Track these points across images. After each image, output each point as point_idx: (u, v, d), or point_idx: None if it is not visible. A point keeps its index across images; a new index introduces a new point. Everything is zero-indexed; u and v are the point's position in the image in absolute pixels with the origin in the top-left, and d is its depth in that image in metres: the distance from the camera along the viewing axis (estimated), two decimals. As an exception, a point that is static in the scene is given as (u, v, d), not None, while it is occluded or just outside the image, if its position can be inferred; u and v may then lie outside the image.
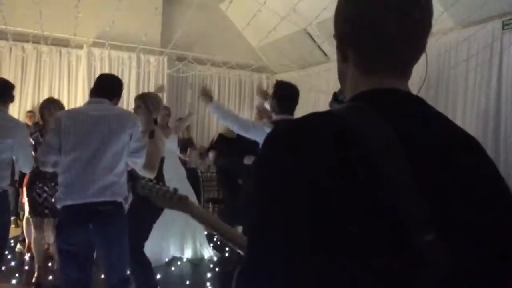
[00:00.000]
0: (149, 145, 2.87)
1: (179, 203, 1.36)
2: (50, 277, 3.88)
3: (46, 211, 3.74)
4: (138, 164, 2.72)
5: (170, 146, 4.33)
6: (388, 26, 0.73)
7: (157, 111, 3.25)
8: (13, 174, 3.91)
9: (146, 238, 3.20)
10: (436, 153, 0.69)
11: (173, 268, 4.45)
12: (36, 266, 3.80)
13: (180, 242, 4.76)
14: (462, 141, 0.75)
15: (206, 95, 3.25)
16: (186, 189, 4.72)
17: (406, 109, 0.73)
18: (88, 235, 2.47)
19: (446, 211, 0.65)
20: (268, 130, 3.01)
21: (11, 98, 3.16)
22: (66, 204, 2.43)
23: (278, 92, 2.99)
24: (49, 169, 2.61)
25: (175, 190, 1.38)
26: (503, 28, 4.38)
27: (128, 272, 2.78)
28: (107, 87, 2.71)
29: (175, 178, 4.00)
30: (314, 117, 0.74)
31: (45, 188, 3.74)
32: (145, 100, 3.19)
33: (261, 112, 4.80)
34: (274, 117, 3.04)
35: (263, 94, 3.64)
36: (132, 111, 3.27)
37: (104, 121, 2.51)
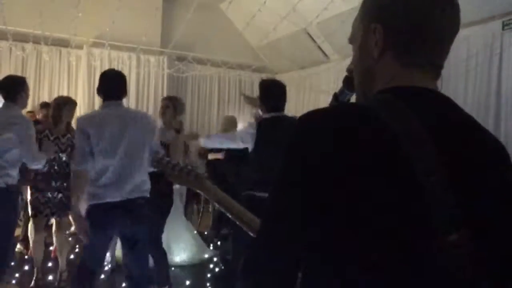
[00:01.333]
0: (174, 140, 3.47)
1: (195, 180, 1.33)
2: (50, 277, 3.88)
3: (48, 210, 3.71)
4: None
5: None
6: (443, 15, 0.74)
7: (182, 112, 3.86)
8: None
9: (163, 231, 3.57)
10: (468, 154, 0.70)
11: (172, 269, 4.45)
12: (35, 268, 3.79)
13: (180, 244, 4.76)
14: (492, 148, 0.76)
15: (193, 136, 4.07)
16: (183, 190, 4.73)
17: (440, 110, 0.74)
18: (121, 230, 2.72)
19: (474, 212, 0.66)
20: (251, 130, 3.04)
21: (21, 94, 3.13)
22: (104, 201, 2.60)
23: (262, 93, 3.00)
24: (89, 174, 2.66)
25: (193, 167, 1.36)
26: (503, 28, 4.38)
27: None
28: (119, 87, 2.78)
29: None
30: (348, 108, 0.74)
31: (63, 185, 3.71)
32: (173, 102, 3.74)
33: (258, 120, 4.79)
34: (264, 116, 3.04)
35: (252, 103, 3.71)
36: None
37: (130, 123, 2.68)
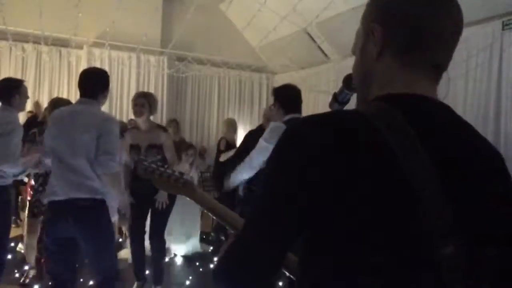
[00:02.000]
0: (168, 140, 3.44)
1: (184, 188, 1.27)
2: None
3: (36, 210, 3.70)
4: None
5: None
6: (444, 17, 0.74)
7: (156, 111, 3.60)
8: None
9: (165, 224, 3.69)
10: (463, 165, 0.70)
11: (167, 259, 4.47)
12: (28, 266, 3.80)
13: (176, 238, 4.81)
14: (487, 156, 0.75)
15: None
16: None
17: (435, 118, 0.74)
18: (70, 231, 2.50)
19: (468, 222, 0.66)
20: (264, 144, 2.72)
21: (15, 97, 3.10)
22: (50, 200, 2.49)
23: (279, 99, 2.85)
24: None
25: (181, 174, 1.29)
26: (503, 28, 4.38)
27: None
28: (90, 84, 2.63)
29: None
30: (342, 116, 0.74)
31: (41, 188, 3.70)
32: (149, 99, 3.44)
33: (267, 117, 4.74)
34: (284, 119, 2.84)
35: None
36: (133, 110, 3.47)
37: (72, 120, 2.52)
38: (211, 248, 5.06)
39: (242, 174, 2.81)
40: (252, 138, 3.40)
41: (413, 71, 0.76)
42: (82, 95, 2.61)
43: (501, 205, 0.70)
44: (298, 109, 2.84)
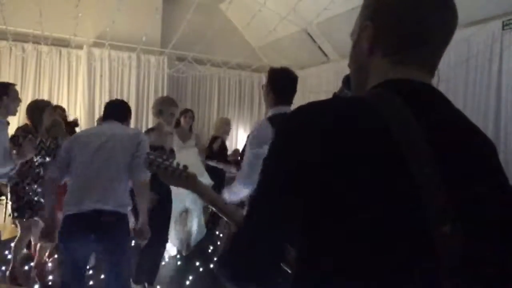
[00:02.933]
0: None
1: (187, 181, 1.32)
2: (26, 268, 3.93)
3: (30, 212, 3.68)
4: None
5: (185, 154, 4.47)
6: (433, 18, 0.75)
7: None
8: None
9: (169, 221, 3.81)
10: (459, 148, 0.71)
11: (166, 258, 4.47)
12: (11, 265, 3.77)
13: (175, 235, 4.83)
14: (480, 139, 0.77)
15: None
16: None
17: (431, 102, 0.75)
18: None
19: (464, 204, 0.66)
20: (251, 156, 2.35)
21: (2, 99, 3.11)
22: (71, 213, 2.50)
23: (273, 83, 2.54)
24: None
25: (185, 167, 1.34)
26: (503, 28, 4.38)
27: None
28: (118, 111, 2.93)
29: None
30: (341, 101, 0.75)
31: (32, 186, 3.69)
32: None
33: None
34: (270, 112, 2.56)
35: None
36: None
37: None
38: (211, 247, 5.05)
39: (239, 194, 2.47)
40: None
41: (405, 67, 0.77)
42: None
43: (491, 191, 0.71)
44: (289, 100, 2.55)
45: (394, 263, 0.65)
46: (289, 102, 2.55)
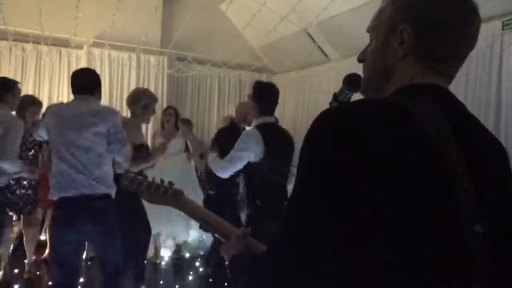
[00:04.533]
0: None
1: (173, 199, 1.24)
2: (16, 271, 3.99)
3: (16, 207, 3.76)
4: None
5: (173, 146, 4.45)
6: (470, 31, 0.77)
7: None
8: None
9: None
10: (485, 152, 0.74)
11: (158, 261, 4.46)
12: (2, 263, 3.81)
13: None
14: (499, 145, 0.81)
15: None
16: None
17: (456, 108, 0.77)
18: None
19: (492, 205, 0.68)
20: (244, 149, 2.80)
21: (8, 96, 3.14)
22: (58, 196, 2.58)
23: (259, 97, 2.90)
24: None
25: (170, 184, 1.25)
26: (503, 28, 4.38)
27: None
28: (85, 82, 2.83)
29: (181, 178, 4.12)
30: (376, 103, 0.74)
31: (31, 182, 3.76)
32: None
33: (240, 112, 4.58)
34: (256, 121, 2.91)
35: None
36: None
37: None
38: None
39: (222, 173, 2.86)
40: (225, 135, 3.65)
41: (434, 73, 0.78)
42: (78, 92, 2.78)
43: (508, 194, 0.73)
44: (272, 111, 2.95)
45: (430, 268, 0.65)
46: (272, 112, 2.95)
